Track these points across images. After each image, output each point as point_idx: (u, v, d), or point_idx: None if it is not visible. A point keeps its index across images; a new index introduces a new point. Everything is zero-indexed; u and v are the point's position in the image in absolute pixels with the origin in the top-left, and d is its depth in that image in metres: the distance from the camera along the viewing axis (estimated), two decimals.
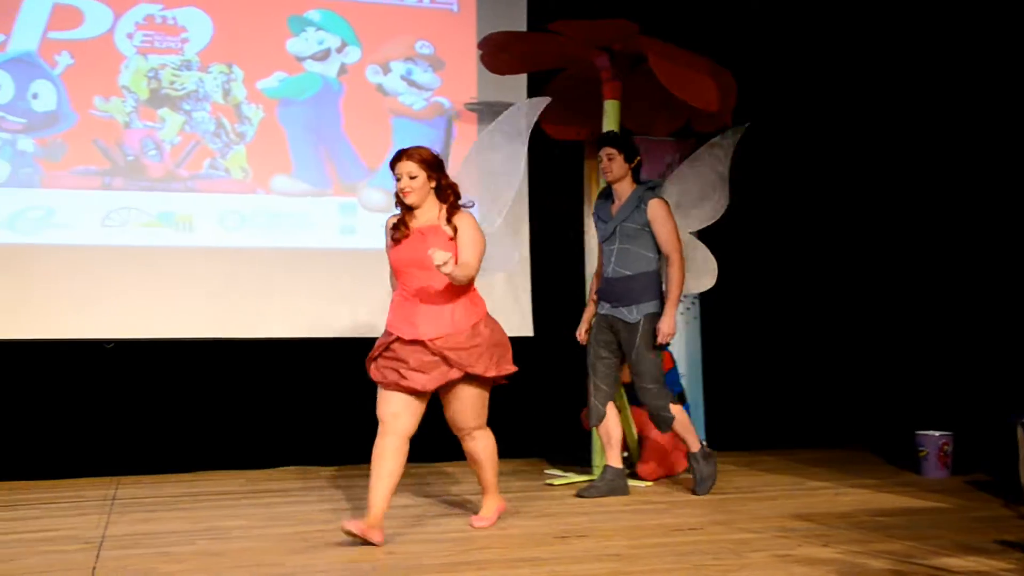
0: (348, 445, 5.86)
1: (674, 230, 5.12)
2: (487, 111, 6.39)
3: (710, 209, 5.63)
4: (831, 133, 7.09)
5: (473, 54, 6.20)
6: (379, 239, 6.11)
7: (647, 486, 5.49)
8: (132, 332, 5.82)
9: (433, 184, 4.17)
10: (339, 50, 6.25)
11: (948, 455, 5.67)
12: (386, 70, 6.32)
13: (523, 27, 6.37)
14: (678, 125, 6.26)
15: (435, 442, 5.66)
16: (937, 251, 6.71)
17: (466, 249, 4.14)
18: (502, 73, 6.13)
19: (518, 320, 6.43)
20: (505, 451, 6.32)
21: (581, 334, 5.38)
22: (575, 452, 6.14)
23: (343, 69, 6.25)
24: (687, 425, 5.16)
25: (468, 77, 6.41)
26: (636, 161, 5.19)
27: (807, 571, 3.54)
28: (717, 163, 5.63)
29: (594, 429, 5.38)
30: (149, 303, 5.82)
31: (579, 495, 5.08)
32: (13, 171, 5.65)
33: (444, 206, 4.19)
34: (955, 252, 6.59)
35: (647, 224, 5.10)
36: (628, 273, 5.11)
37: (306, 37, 6.19)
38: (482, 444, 4.39)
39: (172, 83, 5.96)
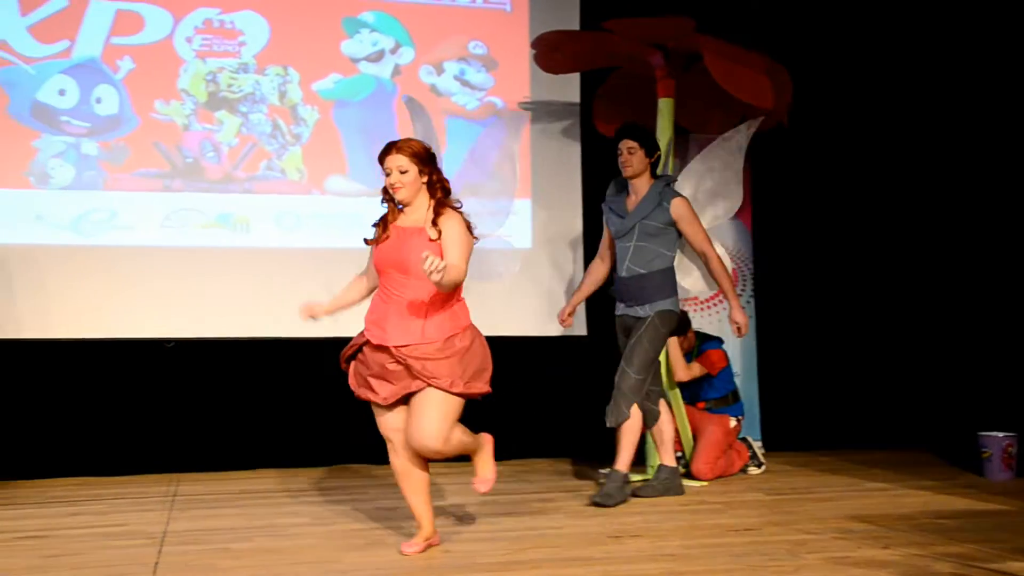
0: None
1: (702, 227, 5.03)
2: (540, 110, 6.42)
3: (724, 206, 5.48)
4: (894, 133, 6.98)
5: (526, 54, 6.18)
6: None
7: (702, 486, 5.45)
8: (191, 331, 5.90)
9: (425, 180, 3.88)
10: (393, 51, 6.28)
11: (1012, 456, 5.55)
12: (439, 70, 6.34)
13: (576, 26, 6.35)
14: (733, 123, 6.18)
15: (521, 435, 5.75)
16: (1000, 249, 6.60)
17: (451, 250, 3.79)
18: (555, 72, 6.10)
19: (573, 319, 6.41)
20: (559, 450, 6.39)
21: (564, 315, 5.32)
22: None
23: (397, 70, 6.28)
24: (633, 439, 4.98)
25: (521, 76, 6.40)
26: (656, 156, 5.07)
27: (866, 573, 3.51)
28: (732, 159, 5.47)
29: (649, 431, 5.30)
30: (208, 303, 5.90)
31: (634, 494, 5.03)
32: (78, 174, 5.76)
33: (432, 203, 3.89)
34: (1019, 250, 6.47)
35: (671, 223, 4.98)
36: (642, 272, 4.98)
37: (360, 39, 6.23)
38: (444, 455, 3.88)
39: (229, 86, 6.03)
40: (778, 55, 5.83)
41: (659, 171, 5.28)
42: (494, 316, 5.72)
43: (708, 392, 5.83)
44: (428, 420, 3.73)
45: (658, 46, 5.62)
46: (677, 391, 5.74)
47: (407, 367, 3.74)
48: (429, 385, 3.72)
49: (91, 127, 5.77)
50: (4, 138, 5.64)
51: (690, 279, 5.36)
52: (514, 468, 6.02)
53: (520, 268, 6.24)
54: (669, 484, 5.09)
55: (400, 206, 3.92)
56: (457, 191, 5.21)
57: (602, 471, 5.78)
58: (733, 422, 5.80)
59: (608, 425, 4.99)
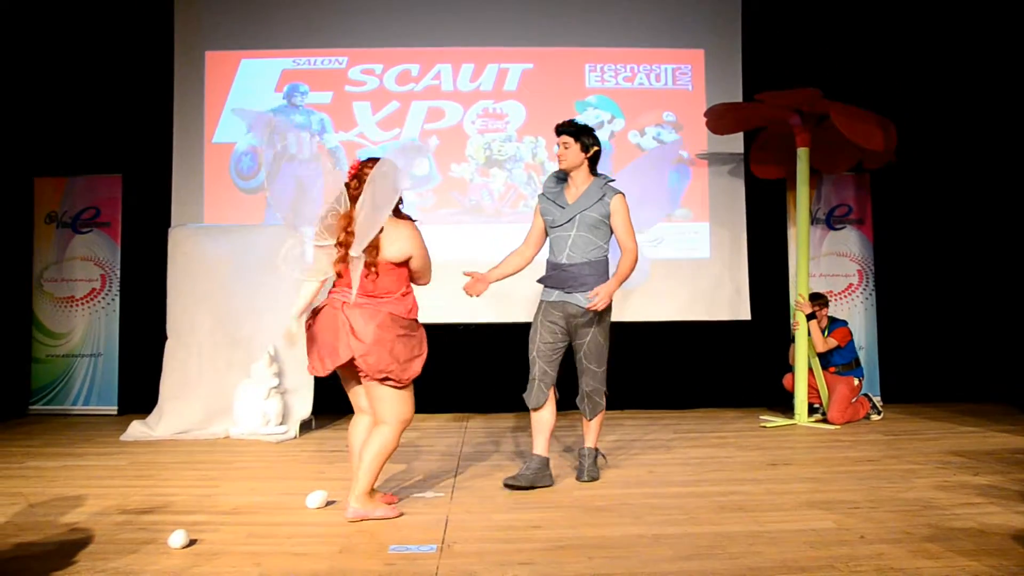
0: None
1: (631, 226, 3.93)
2: (713, 159, 6.44)
3: (653, 212, 4.54)
4: (981, 159, 6.61)
5: (703, 119, 6.16)
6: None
7: (836, 429, 5.38)
8: (475, 318, 6.14)
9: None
10: (609, 122, 6.38)
11: None
12: (642, 133, 6.40)
13: (739, 99, 6.34)
14: (853, 164, 6.09)
15: (704, 391, 5.83)
16: None
17: None
18: (722, 133, 6.12)
19: (739, 307, 6.41)
20: (731, 402, 6.33)
21: (478, 282, 4.11)
22: (783, 403, 6.05)
23: (612, 134, 6.37)
24: (601, 423, 4.05)
25: (700, 136, 6.38)
26: (592, 151, 3.92)
27: (961, 494, 3.52)
28: (661, 170, 4.66)
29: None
30: (483, 300, 5.84)
31: (506, 484, 3.87)
32: None
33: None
34: None
35: (607, 216, 3.89)
36: (583, 260, 3.90)
37: (587, 114, 6.35)
38: (375, 437, 3.26)
39: (499, 151, 6.31)
40: (887, 110, 5.69)
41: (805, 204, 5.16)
42: (687, 303, 6.01)
43: (836, 359, 5.75)
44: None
45: (796, 110, 5.63)
46: (817, 359, 5.71)
47: None
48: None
49: (411, 184, 6.05)
50: None
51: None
52: (697, 415, 6.04)
53: (702, 272, 6.27)
54: (539, 475, 3.91)
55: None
56: (654, 221, 5.29)
57: (762, 417, 5.80)
58: (856, 381, 5.70)
59: (587, 419, 4.01)
